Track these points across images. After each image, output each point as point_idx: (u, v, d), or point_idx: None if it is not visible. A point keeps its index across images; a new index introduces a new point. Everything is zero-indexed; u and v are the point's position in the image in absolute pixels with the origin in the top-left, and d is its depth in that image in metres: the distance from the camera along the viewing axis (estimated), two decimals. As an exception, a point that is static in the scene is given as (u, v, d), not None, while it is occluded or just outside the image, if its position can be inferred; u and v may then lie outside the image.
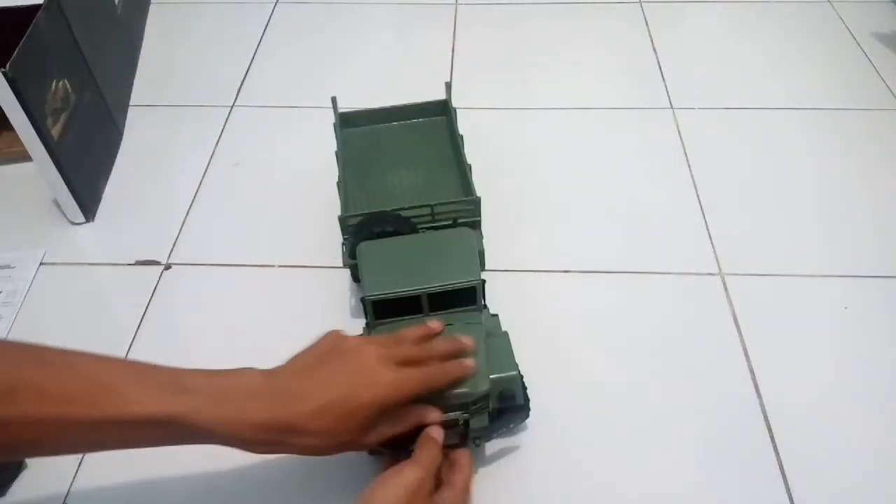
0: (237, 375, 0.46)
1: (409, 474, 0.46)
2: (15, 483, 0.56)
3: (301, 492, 0.56)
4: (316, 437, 0.45)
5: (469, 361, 0.50)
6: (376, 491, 0.45)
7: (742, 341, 0.65)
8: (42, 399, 0.41)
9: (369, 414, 0.46)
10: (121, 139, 0.87)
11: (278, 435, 0.45)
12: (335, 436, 0.46)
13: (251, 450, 0.46)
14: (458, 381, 0.50)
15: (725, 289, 0.69)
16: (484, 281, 0.55)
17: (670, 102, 0.91)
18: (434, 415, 0.50)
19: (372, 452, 0.56)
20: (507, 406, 0.53)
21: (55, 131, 0.71)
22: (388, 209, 0.60)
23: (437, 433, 0.50)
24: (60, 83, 0.73)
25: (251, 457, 0.56)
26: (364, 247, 0.56)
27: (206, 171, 0.83)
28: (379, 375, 0.47)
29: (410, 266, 0.54)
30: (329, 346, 0.48)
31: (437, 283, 0.53)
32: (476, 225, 0.62)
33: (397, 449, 0.51)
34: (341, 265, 0.64)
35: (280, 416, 0.44)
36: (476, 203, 0.61)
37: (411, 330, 0.52)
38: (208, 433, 0.43)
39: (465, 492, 0.50)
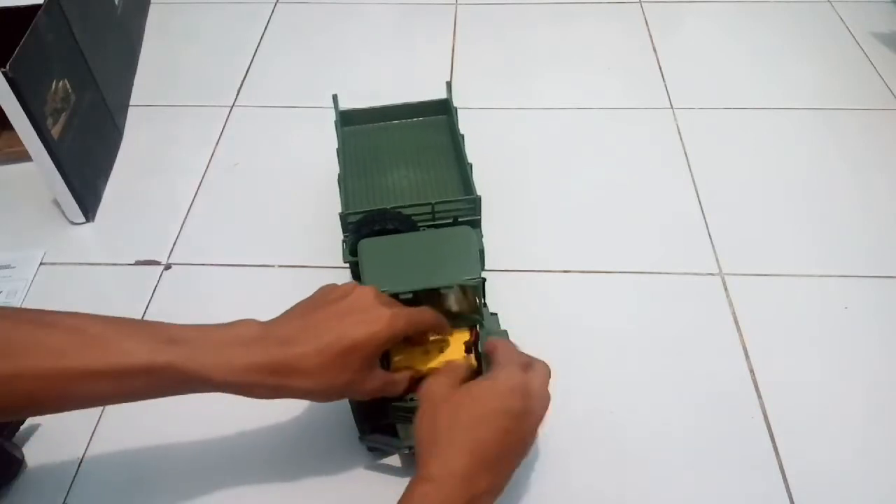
0: (232, 325, 0.46)
1: (425, 387, 0.47)
2: (15, 483, 0.56)
3: (301, 490, 0.56)
4: (313, 378, 0.45)
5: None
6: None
7: (742, 341, 0.65)
8: (37, 353, 0.42)
9: (366, 352, 0.46)
10: (121, 139, 0.87)
11: (275, 377, 0.44)
12: (332, 376, 0.45)
13: (249, 394, 0.45)
14: (440, 326, 0.52)
15: (725, 289, 0.69)
16: (484, 280, 0.55)
17: (670, 102, 0.91)
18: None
19: (371, 450, 0.57)
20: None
21: (55, 131, 0.71)
22: (389, 207, 0.60)
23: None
24: (60, 83, 0.73)
25: (250, 462, 0.57)
26: (365, 244, 0.56)
27: (206, 171, 0.83)
28: (373, 312, 0.46)
29: (411, 264, 0.54)
30: (323, 293, 0.49)
31: (437, 282, 0.53)
32: (476, 224, 0.62)
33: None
34: (341, 265, 0.63)
35: (275, 357, 0.44)
36: (476, 202, 0.61)
37: None
38: (204, 379, 0.44)
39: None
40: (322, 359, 0.45)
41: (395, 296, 0.51)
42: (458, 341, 0.53)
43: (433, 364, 0.51)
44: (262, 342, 0.45)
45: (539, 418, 0.47)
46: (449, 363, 0.50)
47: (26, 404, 0.44)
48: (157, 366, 0.43)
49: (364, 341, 0.45)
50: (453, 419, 0.44)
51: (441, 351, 0.52)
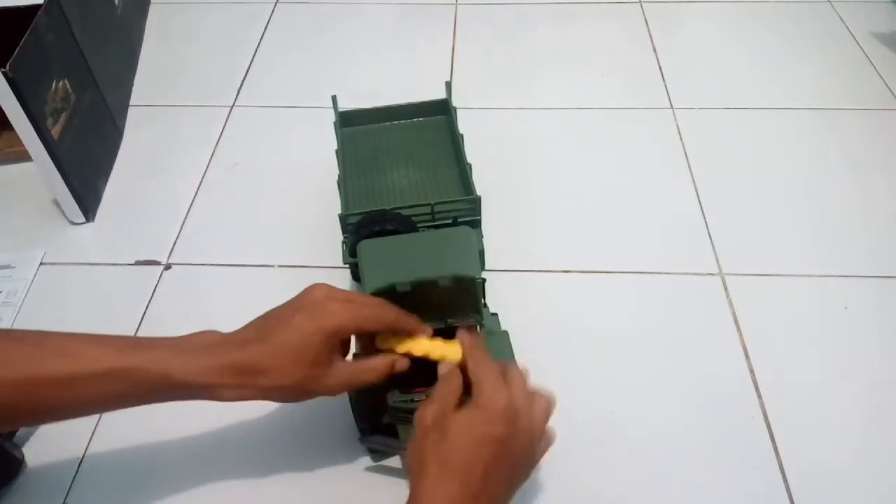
0: (195, 333, 0.48)
1: (419, 414, 0.46)
2: (15, 483, 0.56)
3: (301, 490, 0.56)
4: (273, 375, 0.46)
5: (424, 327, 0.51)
6: (410, 448, 0.46)
7: (742, 341, 0.65)
8: (4, 364, 0.43)
9: (317, 346, 0.46)
10: (121, 139, 0.87)
11: (236, 377, 0.46)
12: (290, 373, 0.46)
13: (214, 396, 0.46)
14: (403, 324, 0.50)
15: (725, 289, 0.69)
16: (484, 280, 0.55)
17: (670, 102, 0.91)
18: (402, 362, 0.50)
19: (371, 451, 0.56)
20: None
21: (55, 131, 0.71)
22: (389, 207, 0.60)
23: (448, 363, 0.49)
24: (60, 83, 0.73)
25: (250, 462, 0.57)
26: (364, 245, 0.56)
27: (206, 171, 0.83)
28: (320, 306, 0.47)
29: (411, 264, 0.54)
30: (288, 300, 0.50)
31: (435, 274, 0.53)
32: (476, 224, 0.62)
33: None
34: (341, 265, 0.64)
35: (235, 358, 0.46)
36: (476, 202, 0.61)
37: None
38: (168, 380, 0.45)
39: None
40: (278, 356, 0.46)
41: (393, 291, 0.51)
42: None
43: (412, 348, 0.50)
44: (223, 346, 0.47)
45: (530, 434, 0.46)
46: (442, 389, 0.47)
47: (6, 414, 0.45)
48: (122, 369, 0.45)
49: (312, 334, 0.46)
50: (441, 446, 0.44)
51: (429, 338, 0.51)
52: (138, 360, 0.45)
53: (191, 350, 0.46)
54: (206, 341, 0.47)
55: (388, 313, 0.49)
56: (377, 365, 0.49)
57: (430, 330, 0.51)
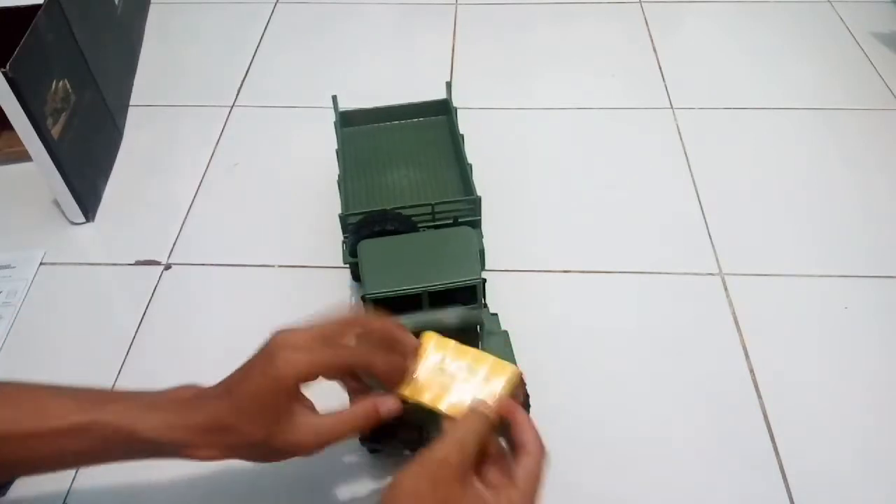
0: (170, 388, 0.45)
1: (432, 453, 0.40)
2: (15, 483, 0.56)
3: (301, 491, 0.56)
4: (240, 433, 0.42)
5: (400, 361, 0.45)
6: (402, 474, 0.39)
7: (742, 341, 0.65)
8: None
9: (276, 399, 0.42)
10: (121, 139, 0.87)
11: (206, 435, 0.42)
12: (252, 431, 0.42)
13: (186, 454, 0.43)
14: (382, 372, 0.44)
15: (725, 289, 0.69)
16: (484, 280, 0.55)
17: (670, 102, 0.91)
18: (388, 406, 0.44)
19: (372, 451, 0.56)
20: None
21: (55, 131, 0.71)
22: (389, 208, 0.60)
23: (483, 406, 0.43)
24: (60, 83, 0.73)
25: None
26: (364, 245, 0.56)
27: (206, 171, 0.83)
28: (275, 356, 0.42)
29: (411, 264, 0.54)
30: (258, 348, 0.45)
31: (437, 282, 0.53)
32: (476, 224, 0.62)
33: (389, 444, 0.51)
34: (341, 265, 0.64)
35: (205, 415, 0.43)
36: (476, 202, 0.61)
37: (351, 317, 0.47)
38: (134, 437, 0.42)
39: (527, 482, 0.42)
40: (240, 412, 0.42)
41: (394, 297, 0.51)
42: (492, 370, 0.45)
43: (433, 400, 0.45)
44: (194, 402, 0.44)
45: None
46: (471, 429, 0.41)
47: None
48: (88, 424, 0.42)
49: (267, 388, 0.42)
50: None
51: (465, 380, 0.45)
52: (103, 415, 0.42)
53: (160, 406, 0.43)
54: (178, 397, 0.44)
55: (358, 359, 0.44)
56: (354, 419, 0.44)
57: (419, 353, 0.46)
